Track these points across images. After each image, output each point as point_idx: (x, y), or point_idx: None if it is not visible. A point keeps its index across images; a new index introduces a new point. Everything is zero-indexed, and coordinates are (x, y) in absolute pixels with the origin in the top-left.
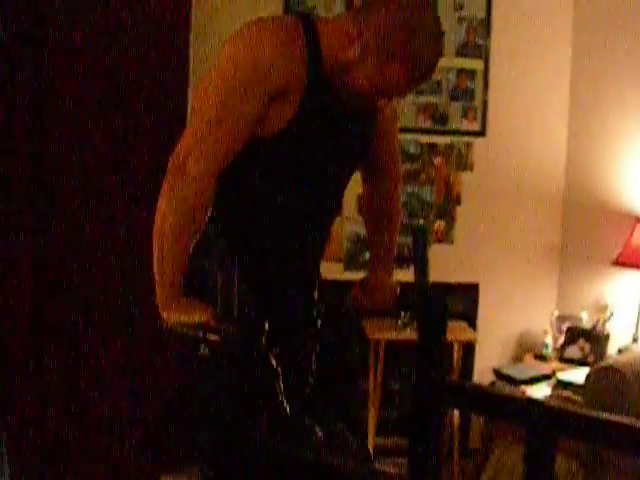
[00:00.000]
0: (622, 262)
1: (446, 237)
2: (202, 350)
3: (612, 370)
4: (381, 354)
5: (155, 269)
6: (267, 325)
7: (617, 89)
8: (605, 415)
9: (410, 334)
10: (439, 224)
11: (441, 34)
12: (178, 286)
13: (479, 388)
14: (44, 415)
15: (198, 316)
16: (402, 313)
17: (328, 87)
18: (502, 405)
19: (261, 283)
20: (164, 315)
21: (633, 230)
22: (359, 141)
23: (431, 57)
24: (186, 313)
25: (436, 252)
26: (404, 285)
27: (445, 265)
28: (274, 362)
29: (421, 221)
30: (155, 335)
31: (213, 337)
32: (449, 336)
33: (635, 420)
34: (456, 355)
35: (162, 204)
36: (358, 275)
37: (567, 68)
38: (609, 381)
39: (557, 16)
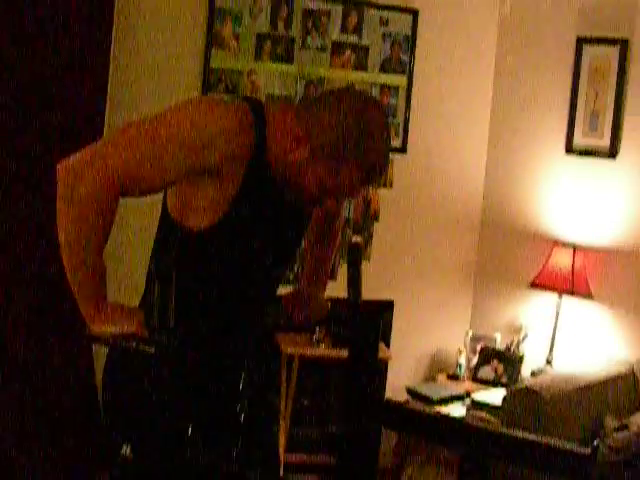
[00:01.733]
0: (538, 284)
1: (363, 254)
2: (124, 451)
3: (529, 391)
4: (295, 369)
5: (71, 283)
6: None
7: (537, 112)
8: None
9: (324, 350)
10: (356, 239)
11: (389, 133)
12: (101, 295)
13: (415, 409)
14: None
15: (128, 326)
16: (317, 329)
17: (268, 181)
18: (439, 428)
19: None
20: (93, 327)
21: (550, 253)
22: (301, 225)
23: (382, 160)
24: (115, 323)
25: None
26: (333, 300)
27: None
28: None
29: (358, 239)
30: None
31: (147, 348)
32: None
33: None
34: None
35: (59, 217)
36: None
37: (489, 89)
38: (526, 402)
39: (481, 37)
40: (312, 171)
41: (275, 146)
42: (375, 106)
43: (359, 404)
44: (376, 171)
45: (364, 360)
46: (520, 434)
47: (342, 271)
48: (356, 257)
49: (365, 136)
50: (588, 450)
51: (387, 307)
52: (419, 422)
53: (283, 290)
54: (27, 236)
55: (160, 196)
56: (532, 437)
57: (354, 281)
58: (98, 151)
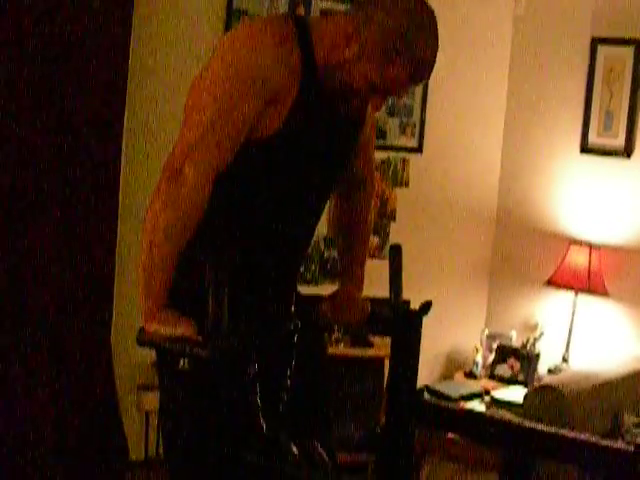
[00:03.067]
0: (555, 283)
1: (379, 253)
2: (182, 365)
3: (550, 389)
4: None
5: (142, 278)
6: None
7: (552, 112)
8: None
9: (343, 349)
10: (373, 240)
11: (436, 31)
12: (163, 297)
13: (438, 404)
14: None
15: (183, 330)
16: (335, 328)
17: (321, 89)
18: (478, 426)
19: (241, 292)
20: (146, 326)
21: (567, 251)
22: (348, 145)
23: (431, 57)
24: (171, 326)
25: (369, 268)
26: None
27: (378, 281)
28: (252, 378)
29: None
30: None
31: (202, 352)
32: (381, 352)
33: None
34: (386, 371)
35: (154, 211)
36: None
37: (504, 89)
38: (547, 399)
39: (496, 38)
40: (361, 67)
41: (323, 50)
42: (423, 3)
43: (399, 403)
44: (424, 67)
45: (406, 360)
46: (549, 428)
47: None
48: (396, 258)
49: (415, 32)
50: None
51: (429, 307)
52: (443, 416)
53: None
54: (55, 232)
55: None
56: (560, 431)
57: (395, 281)
58: (189, 143)
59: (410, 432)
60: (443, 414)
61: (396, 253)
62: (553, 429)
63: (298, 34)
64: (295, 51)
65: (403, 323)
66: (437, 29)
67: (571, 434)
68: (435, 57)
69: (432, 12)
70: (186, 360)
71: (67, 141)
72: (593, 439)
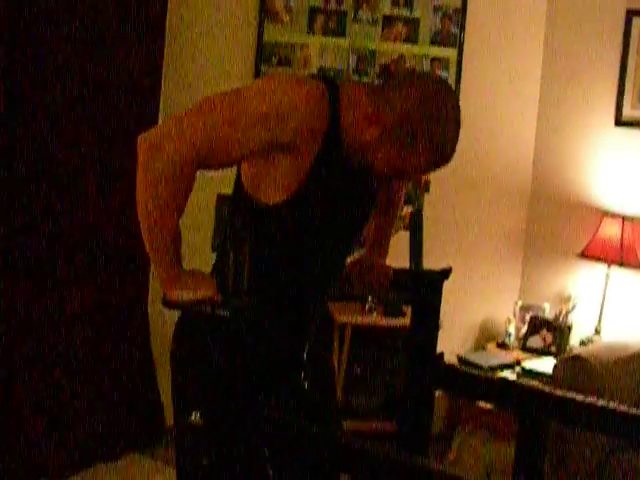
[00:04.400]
0: (588, 255)
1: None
2: (193, 418)
3: (579, 359)
4: (347, 338)
5: (149, 251)
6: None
7: (586, 84)
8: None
9: (376, 318)
10: (406, 211)
11: (459, 118)
12: (177, 263)
13: (472, 373)
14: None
15: (203, 292)
16: (369, 297)
17: (341, 153)
18: (497, 390)
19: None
20: (168, 294)
21: (600, 223)
22: (370, 199)
23: (452, 145)
24: (191, 289)
25: (403, 239)
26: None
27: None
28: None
29: (417, 206)
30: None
31: (222, 312)
32: None
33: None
34: None
35: (139, 183)
36: None
37: (539, 61)
38: (576, 370)
39: (531, 9)
40: (382, 151)
41: (348, 123)
42: (446, 90)
43: (419, 369)
44: (445, 156)
45: (426, 326)
46: (576, 396)
47: (393, 242)
48: (417, 225)
49: (435, 120)
50: None
51: (446, 273)
52: (474, 384)
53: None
54: (90, 213)
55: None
56: (588, 399)
57: (415, 248)
58: (177, 124)
59: (430, 395)
60: (471, 381)
61: (417, 220)
62: (581, 397)
63: (330, 99)
64: (324, 113)
65: (423, 288)
66: (459, 111)
67: (600, 402)
68: (456, 142)
69: (452, 93)
70: (198, 414)
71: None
72: (622, 407)
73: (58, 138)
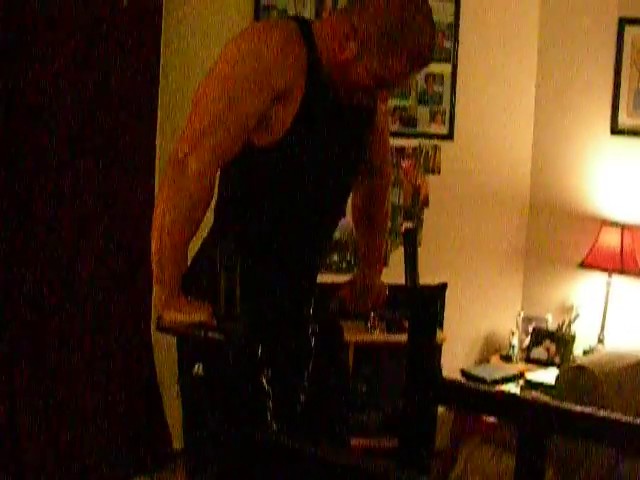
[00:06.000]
0: (588, 264)
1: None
2: (196, 369)
3: (582, 370)
4: (350, 356)
5: (155, 267)
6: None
7: (582, 93)
8: (602, 413)
9: (378, 335)
10: (406, 226)
11: (431, 16)
12: (177, 285)
13: (472, 387)
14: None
15: (198, 315)
16: (371, 315)
17: (327, 88)
18: (497, 404)
19: (261, 284)
20: (163, 315)
21: (599, 233)
22: (360, 138)
23: (429, 42)
24: (186, 312)
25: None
26: (390, 286)
27: None
28: (265, 382)
29: (409, 224)
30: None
31: (216, 336)
32: None
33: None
34: None
35: (162, 201)
36: (326, 277)
37: (533, 73)
38: (579, 380)
39: (523, 22)
40: (363, 65)
41: (325, 49)
42: None
43: (418, 385)
44: (424, 56)
45: (423, 342)
46: (577, 408)
47: (393, 257)
48: (411, 241)
49: (410, 23)
50: None
51: (442, 289)
52: (476, 399)
53: (340, 278)
54: (92, 232)
55: None
56: (589, 410)
57: (411, 265)
58: (190, 138)
59: (431, 411)
60: (471, 396)
61: (410, 237)
62: (583, 408)
63: (304, 37)
64: (301, 50)
65: (418, 304)
66: (431, 13)
67: (602, 413)
68: (433, 40)
69: None
70: (201, 366)
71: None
72: (625, 418)
73: (58, 156)
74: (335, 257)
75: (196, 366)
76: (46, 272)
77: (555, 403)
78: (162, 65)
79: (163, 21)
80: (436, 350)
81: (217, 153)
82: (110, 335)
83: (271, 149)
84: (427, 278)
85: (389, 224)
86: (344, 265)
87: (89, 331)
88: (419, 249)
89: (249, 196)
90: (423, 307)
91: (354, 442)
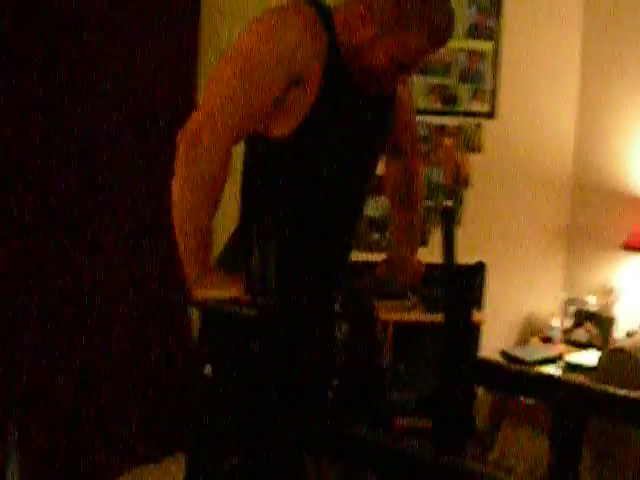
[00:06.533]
0: (631, 246)
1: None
2: (206, 371)
3: (624, 352)
4: (389, 335)
5: (180, 248)
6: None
7: (627, 70)
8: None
9: (418, 315)
10: (444, 205)
11: None
12: (207, 262)
13: (511, 368)
14: (51, 393)
15: (231, 291)
16: (410, 294)
17: (346, 73)
18: (534, 385)
19: (291, 264)
20: (195, 291)
21: None
22: (381, 125)
23: (447, 20)
24: (218, 288)
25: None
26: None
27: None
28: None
29: (449, 203)
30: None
31: (250, 311)
32: None
33: None
34: None
35: (177, 180)
36: (368, 256)
37: (577, 50)
38: (620, 363)
39: None
40: (381, 45)
41: (345, 35)
42: None
43: (454, 366)
44: (442, 27)
45: (459, 321)
46: (617, 390)
47: (433, 237)
48: (449, 220)
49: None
50: None
51: (479, 268)
52: (514, 380)
53: (377, 257)
54: (128, 219)
55: None
56: (628, 393)
57: (447, 244)
58: (208, 111)
59: (467, 392)
60: (511, 377)
61: (448, 216)
62: (623, 391)
63: (322, 21)
64: (320, 34)
65: (454, 284)
66: None
67: (618, 391)
68: (449, 18)
69: None
70: (209, 368)
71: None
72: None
73: (95, 145)
74: (375, 236)
75: (206, 367)
76: (82, 260)
77: (594, 385)
78: (200, 44)
79: (202, 3)
80: (473, 330)
81: (230, 131)
82: (148, 318)
83: (290, 137)
84: (468, 258)
85: (426, 202)
86: (384, 243)
87: (128, 314)
88: (460, 229)
89: (271, 187)
90: (458, 286)
91: (394, 422)
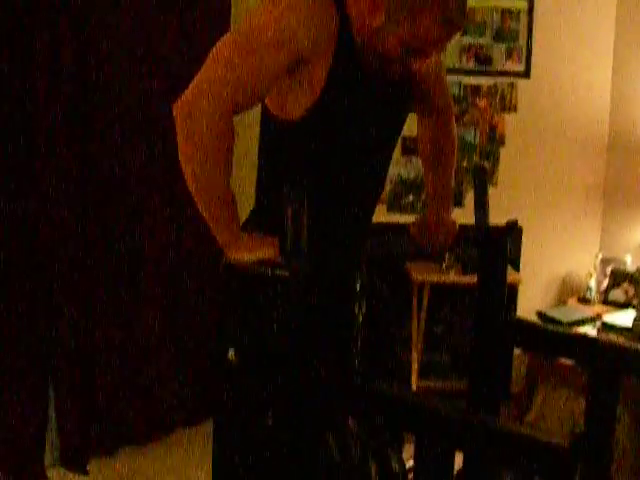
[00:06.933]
0: None
1: (489, 179)
2: (230, 355)
3: None
4: (426, 297)
5: (205, 216)
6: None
7: None
8: None
9: (454, 276)
10: (476, 163)
11: None
12: (235, 224)
13: (548, 329)
14: (89, 353)
15: (263, 253)
16: (446, 255)
17: (357, 59)
18: (571, 346)
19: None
20: (229, 255)
21: None
22: (396, 106)
23: (459, 6)
24: (251, 250)
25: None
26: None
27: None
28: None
29: (485, 163)
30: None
31: (282, 273)
32: None
33: None
34: None
35: (181, 152)
36: (401, 217)
37: (612, 8)
38: None
39: None
40: (393, 32)
41: (357, 20)
42: None
43: (488, 326)
44: (453, 20)
45: (493, 282)
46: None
47: (468, 198)
48: (482, 179)
49: None
50: None
51: (512, 227)
52: (551, 341)
53: (411, 219)
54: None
55: None
56: None
57: (480, 203)
58: (204, 81)
59: (503, 353)
60: (547, 338)
61: (480, 174)
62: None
63: (335, 3)
64: (331, 17)
65: (488, 243)
66: None
67: None
68: (463, 4)
69: None
70: (233, 352)
71: None
72: None
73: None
74: (410, 197)
75: (230, 351)
76: (117, 231)
77: (631, 345)
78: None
79: None
80: (507, 290)
81: (227, 102)
82: (181, 283)
83: (304, 117)
84: (503, 218)
85: (461, 163)
86: (419, 205)
87: (161, 279)
88: (495, 189)
89: (289, 166)
90: (491, 246)
91: (430, 383)
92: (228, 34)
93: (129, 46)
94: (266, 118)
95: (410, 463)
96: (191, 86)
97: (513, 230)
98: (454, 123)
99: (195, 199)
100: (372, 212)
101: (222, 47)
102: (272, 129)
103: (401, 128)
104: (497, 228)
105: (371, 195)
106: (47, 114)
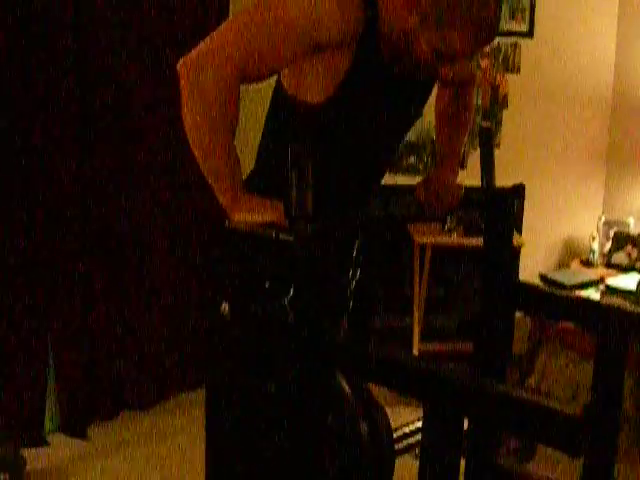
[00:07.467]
0: None
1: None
2: (222, 309)
3: None
4: (427, 259)
5: (209, 180)
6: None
7: None
8: None
9: (456, 239)
10: (482, 124)
11: None
12: (239, 186)
13: (551, 292)
14: (87, 319)
15: (269, 215)
16: (448, 217)
17: (381, 58)
18: (573, 309)
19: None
20: (232, 216)
21: None
22: (417, 98)
23: (493, 17)
24: (256, 212)
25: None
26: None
27: None
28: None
29: (487, 124)
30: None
31: (286, 237)
32: None
33: None
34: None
35: (185, 110)
36: (402, 179)
37: None
38: None
39: None
40: (424, 38)
41: (387, 17)
42: None
43: (494, 288)
44: (485, 31)
45: (499, 244)
46: None
47: (471, 159)
48: (487, 141)
49: None
50: None
51: (518, 190)
52: (554, 304)
53: (413, 180)
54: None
55: None
56: None
57: (486, 164)
58: (215, 42)
59: (508, 316)
60: (550, 301)
61: (486, 136)
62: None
63: (366, 1)
64: (358, 15)
65: (494, 205)
66: None
67: None
68: (495, 18)
69: None
70: (226, 306)
71: None
72: None
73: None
74: (412, 159)
75: (223, 305)
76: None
77: (635, 309)
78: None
79: None
80: (513, 253)
81: (234, 67)
82: (185, 255)
83: (319, 107)
84: (506, 180)
85: (471, 123)
86: (420, 167)
87: (168, 247)
88: (498, 150)
89: (295, 140)
90: (498, 208)
91: (432, 346)
92: (253, 5)
93: (126, 39)
94: (280, 93)
95: (417, 424)
96: (201, 45)
97: (520, 193)
98: (474, 92)
99: (197, 158)
100: (379, 182)
101: (243, 15)
102: (285, 105)
103: (420, 112)
104: (503, 190)
105: (381, 167)
106: (46, 110)
